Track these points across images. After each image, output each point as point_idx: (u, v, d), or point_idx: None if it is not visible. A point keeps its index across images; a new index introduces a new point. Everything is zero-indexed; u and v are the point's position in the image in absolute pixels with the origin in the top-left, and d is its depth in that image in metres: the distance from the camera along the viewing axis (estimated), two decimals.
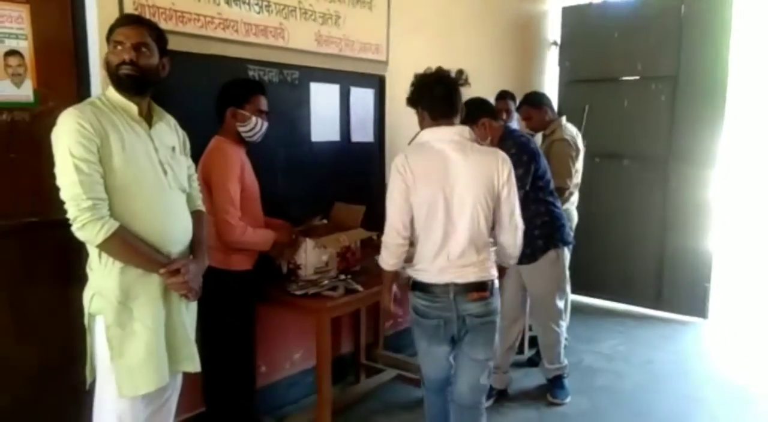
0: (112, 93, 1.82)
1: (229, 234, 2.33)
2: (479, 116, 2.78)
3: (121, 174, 1.75)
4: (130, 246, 1.76)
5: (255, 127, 2.45)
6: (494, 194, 2.16)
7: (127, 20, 1.86)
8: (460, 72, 2.23)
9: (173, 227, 1.89)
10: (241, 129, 2.42)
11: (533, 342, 3.81)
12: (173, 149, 1.95)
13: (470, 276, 2.16)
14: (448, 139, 2.17)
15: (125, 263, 1.77)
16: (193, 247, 1.99)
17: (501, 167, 2.17)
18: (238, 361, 2.55)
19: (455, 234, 2.13)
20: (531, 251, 3.13)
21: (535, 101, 3.79)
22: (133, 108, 1.82)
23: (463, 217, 2.12)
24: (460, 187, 2.12)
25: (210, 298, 2.32)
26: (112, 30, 1.82)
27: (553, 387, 3.39)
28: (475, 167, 2.13)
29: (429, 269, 2.17)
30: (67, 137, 1.67)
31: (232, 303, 2.47)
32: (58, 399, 2.33)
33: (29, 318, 2.26)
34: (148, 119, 1.88)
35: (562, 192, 3.56)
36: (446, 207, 2.11)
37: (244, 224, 2.35)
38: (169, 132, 1.95)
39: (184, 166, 2.01)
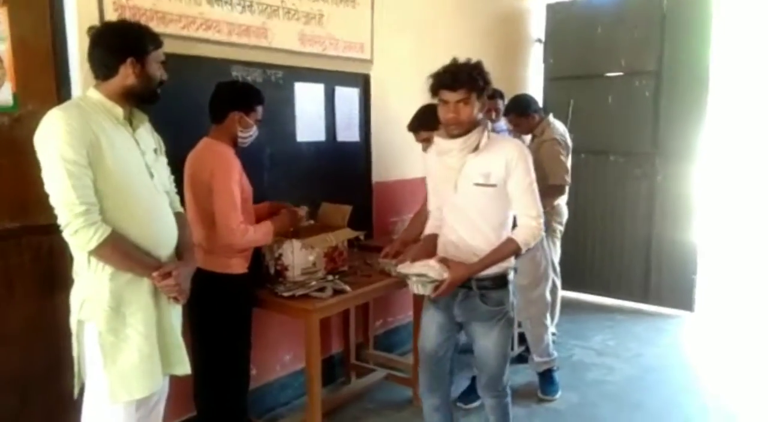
0: (95, 94, 1.79)
1: (231, 238, 2.32)
2: None
3: (112, 177, 1.72)
4: (122, 251, 1.74)
5: (252, 134, 2.48)
6: None
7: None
8: None
9: (162, 230, 1.89)
10: (241, 134, 2.43)
11: (522, 338, 3.81)
12: (155, 151, 1.94)
13: None
14: None
15: (116, 269, 1.75)
16: (180, 249, 1.97)
17: None
18: (236, 365, 2.53)
19: None
20: None
21: (521, 109, 3.77)
22: (119, 111, 1.79)
23: None
24: None
25: (209, 302, 2.32)
26: (155, 45, 1.84)
27: (544, 383, 3.39)
28: None
29: None
30: (56, 139, 1.63)
31: (231, 307, 2.46)
32: (44, 408, 2.30)
33: (11, 325, 2.22)
34: (129, 122, 1.86)
35: (563, 189, 3.65)
36: None
37: (245, 225, 2.35)
38: (147, 135, 1.93)
39: (164, 168, 1.99)
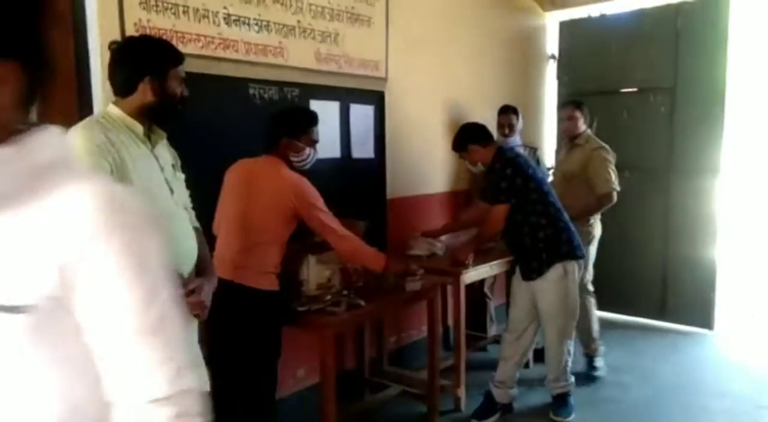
0: (115, 111, 1.81)
1: (344, 244, 2.47)
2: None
3: None
4: None
5: (308, 157, 2.53)
6: None
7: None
8: None
9: (184, 245, 1.89)
10: (294, 159, 2.49)
11: (536, 355, 3.78)
12: (173, 166, 1.96)
13: None
14: None
15: None
16: (200, 265, 1.97)
17: None
18: (266, 380, 2.51)
19: None
20: (538, 265, 3.09)
21: (579, 103, 3.93)
22: (139, 127, 1.81)
23: None
24: None
25: (243, 317, 2.35)
26: (175, 62, 1.87)
27: (558, 405, 3.31)
28: None
29: None
30: (79, 155, 1.65)
31: (268, 323, 2.47)
32: None
33: None
34: (149, 138, 1.88)
35: (611, 196, 3.71)
36: None
37: (351, 234, 2.48)
38: (165, 151, 1.95)
39: (182, 184, 2.01)
